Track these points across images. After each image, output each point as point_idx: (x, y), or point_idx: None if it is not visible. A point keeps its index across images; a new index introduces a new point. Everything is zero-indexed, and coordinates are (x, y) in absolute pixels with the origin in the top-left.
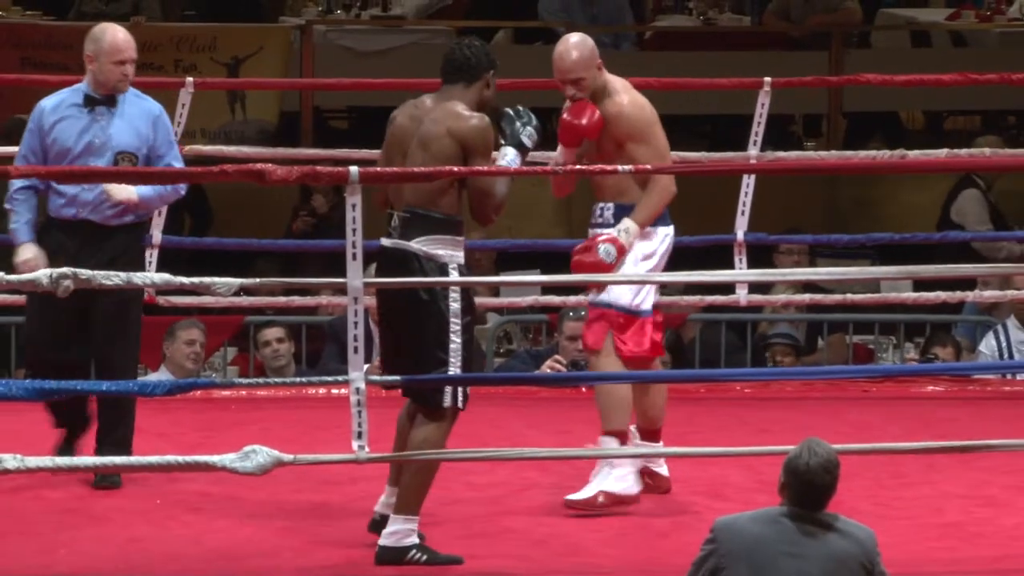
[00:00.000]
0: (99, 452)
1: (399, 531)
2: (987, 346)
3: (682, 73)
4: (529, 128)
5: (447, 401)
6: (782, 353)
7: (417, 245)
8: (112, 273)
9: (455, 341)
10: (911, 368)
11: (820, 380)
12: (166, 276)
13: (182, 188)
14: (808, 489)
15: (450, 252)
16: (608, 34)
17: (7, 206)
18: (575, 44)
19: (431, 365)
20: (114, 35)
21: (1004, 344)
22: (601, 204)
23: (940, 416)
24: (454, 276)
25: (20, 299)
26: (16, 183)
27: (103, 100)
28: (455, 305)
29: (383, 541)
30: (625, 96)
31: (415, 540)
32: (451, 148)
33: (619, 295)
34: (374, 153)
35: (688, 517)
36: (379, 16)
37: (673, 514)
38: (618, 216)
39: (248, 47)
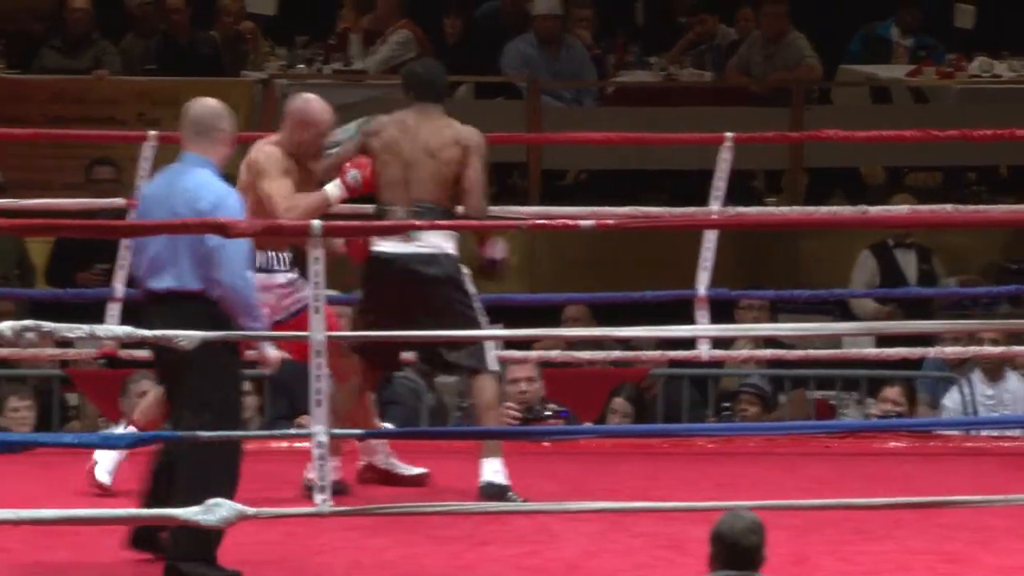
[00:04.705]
0: None
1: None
2: (952, 400)
3: (644, 128)
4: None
5: (493, 365)
6: (747, 402)
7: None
8: (75, 326)
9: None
10: (873, 424)
11: (782, 435)
12: (129, 329)
13: None
14: (735, 551)
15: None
16: (570, 89)
17: None
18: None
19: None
20: None
21: (969, 398)
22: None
23: (902, 472)
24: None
25: None
26: None
27: None
28: (469, 284)
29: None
30: None
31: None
32: (458, 153)
33: None
34: (340, 207)
35: (651, 571)
36: (341, 71)
37: (636, 568)
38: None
39: None
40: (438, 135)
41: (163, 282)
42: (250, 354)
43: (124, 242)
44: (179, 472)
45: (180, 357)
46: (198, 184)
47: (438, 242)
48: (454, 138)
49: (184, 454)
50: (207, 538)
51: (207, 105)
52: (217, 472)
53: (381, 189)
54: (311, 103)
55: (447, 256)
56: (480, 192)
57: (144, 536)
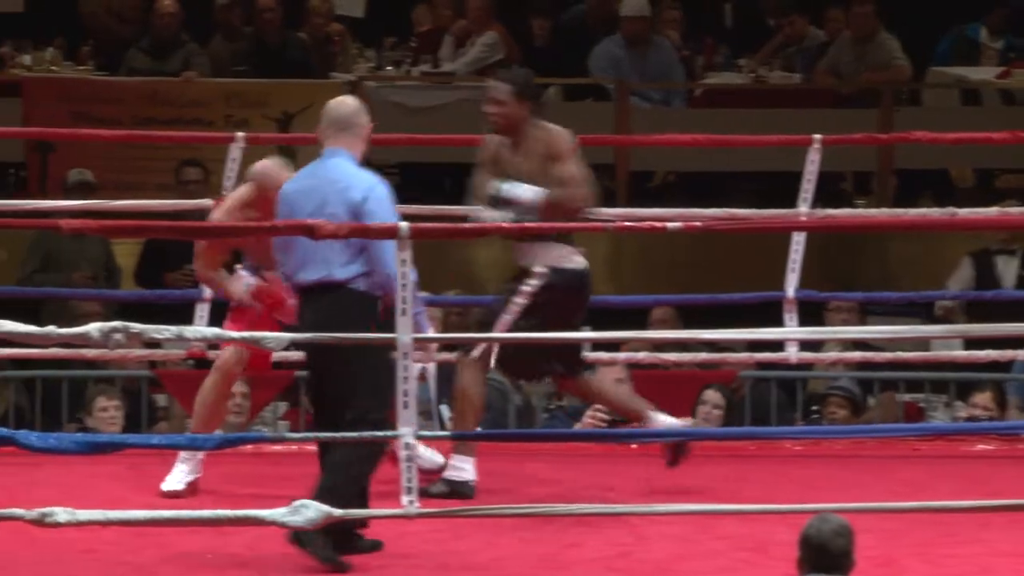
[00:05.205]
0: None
1: None
2: None
3: (732, 130)
4: None
5: None
6: (836, 405)
7: None
8: (164, 327)
9: None
10: (962, 427)
11: (870, 438)
12: (217, 330)
13: None
14: (823, 554)
15: None
16: (658, 91)
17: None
18: None
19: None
20: None
21: None
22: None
23: (990, 475)
24: None
25: (72, 352)
26: None
27: None
28: None
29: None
30: None
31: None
32: None
33: None
34: (424, 209)
35: (736, 574)
36: (429, 72)
37: (722, 571)
38: None
39: (299, 103)
40: None
41: (311, 275)
42: None
43: None
44: (323, 468)
45: (333, 353)
46: (348, 175)
47: None
48: None
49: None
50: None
51: (346, 103)
52: (355, 471)
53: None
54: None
55: None
56: None
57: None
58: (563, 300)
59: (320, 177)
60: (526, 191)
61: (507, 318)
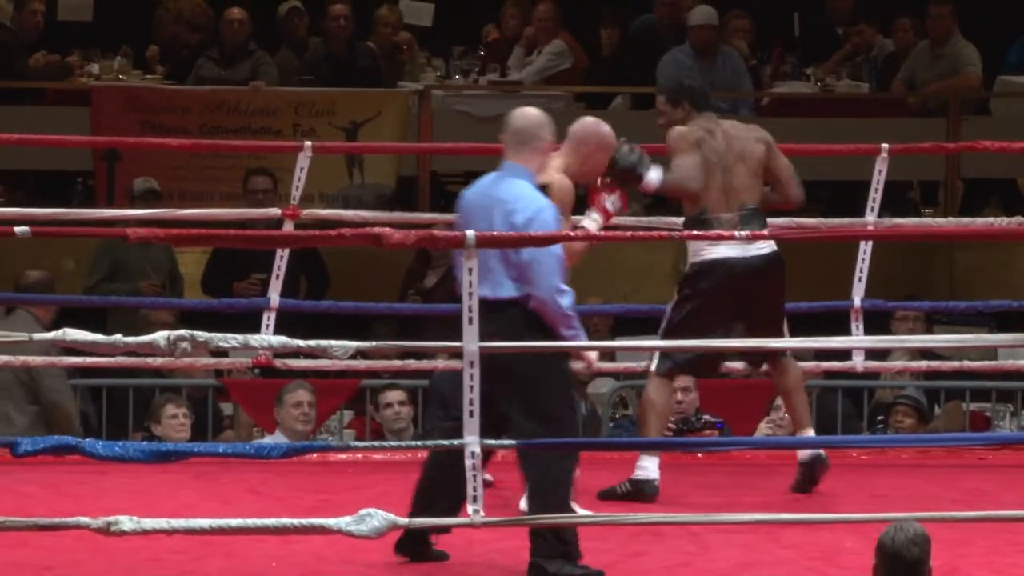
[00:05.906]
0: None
1: None
2: None
3: (800, 139)
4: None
5: None
6: (903, 414)
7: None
8: (230, 336)
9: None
10: None
11: (937, 447)
12: (283, 339)
13: None
14: (897, 563)
15: None
16: (726, 100)
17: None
18: None
19: None
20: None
21: None
22: None
23: None
24: None
25: (138, 361)
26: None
27: None
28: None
29: None
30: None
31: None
32: (763, 150)
33: None
34: None
35: None
36: (496, 81)
37: None
38: None
39: (366, 112)
40: (740, 139)
41: (485, 290)
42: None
43: (279, 252)
44: (528, 481)
45: (509, 365)
46: (516, 196)
47: (770, 242)
48: (754, 137)
49: (528, 464)
50: (567, 537)
51: (529, 115)
52: (558, 476)
53: (697, 198)
54: (605, 127)
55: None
56: (795, 177)
57: (410, 542)
58: (708, 292)
59: (493, 196)
60: (652, 172)
61: (666, 318)
